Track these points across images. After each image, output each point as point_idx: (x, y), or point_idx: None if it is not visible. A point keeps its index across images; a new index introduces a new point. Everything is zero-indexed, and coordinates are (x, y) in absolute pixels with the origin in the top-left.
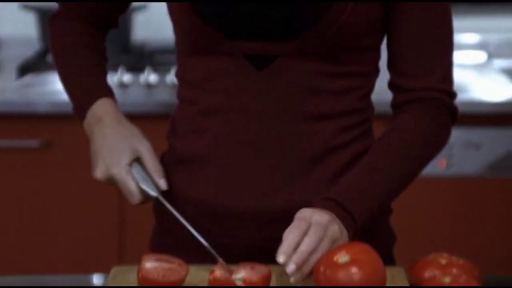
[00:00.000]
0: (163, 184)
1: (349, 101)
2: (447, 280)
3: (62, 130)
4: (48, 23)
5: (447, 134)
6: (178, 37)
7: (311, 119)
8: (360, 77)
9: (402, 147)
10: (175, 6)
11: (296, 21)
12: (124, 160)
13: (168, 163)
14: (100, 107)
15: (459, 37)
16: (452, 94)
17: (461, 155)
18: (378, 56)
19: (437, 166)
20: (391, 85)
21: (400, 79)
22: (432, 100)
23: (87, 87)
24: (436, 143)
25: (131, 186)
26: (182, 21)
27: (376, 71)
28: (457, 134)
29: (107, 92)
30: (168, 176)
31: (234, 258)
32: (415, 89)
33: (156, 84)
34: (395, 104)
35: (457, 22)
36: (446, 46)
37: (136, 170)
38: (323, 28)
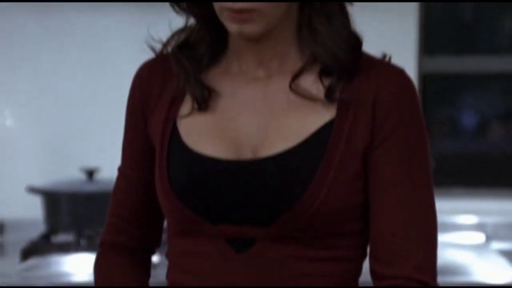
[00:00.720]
0: None
1: (332, 286)
2: None
3: None
4: (97, 254)
5: None
6: (166, 219)
7: None
8: (344, 261)
9: None
10: (160, 191)
11: (270, 207)
12: None
13: None
14: None
15: (457, 219)
16: (429, 285)
17: None
18: (365, 241)
19: None
20: (370, 272)
21: (375, 265)
22: None
23: None
24: None
25: None
26: (166, 205)
27: (364, 255)
28: None
29: None
30: None
31: None
32: (387, 277)
33: (158, 263)
34: None
35: (455, 204)
36: (424, 234)
37: None
38: (297, 214)
